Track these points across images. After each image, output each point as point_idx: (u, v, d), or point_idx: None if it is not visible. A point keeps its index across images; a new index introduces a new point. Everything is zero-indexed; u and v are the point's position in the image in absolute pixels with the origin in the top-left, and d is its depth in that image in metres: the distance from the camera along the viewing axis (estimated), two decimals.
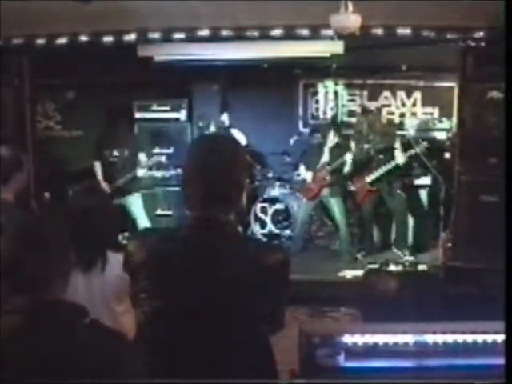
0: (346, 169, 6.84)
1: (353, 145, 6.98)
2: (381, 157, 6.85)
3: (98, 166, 6.85)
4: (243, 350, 1.85)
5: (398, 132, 7.61)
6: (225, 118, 7.46)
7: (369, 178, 6.90)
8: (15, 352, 1.54)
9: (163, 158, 7.50)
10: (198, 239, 1.87)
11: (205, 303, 1.81)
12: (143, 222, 6.84)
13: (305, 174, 7.16)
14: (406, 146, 6.89)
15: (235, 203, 1.92)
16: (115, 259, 2.69)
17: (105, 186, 6.70)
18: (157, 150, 7.75)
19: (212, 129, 7.26)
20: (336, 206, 6.90)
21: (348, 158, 6.75)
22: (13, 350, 1.53)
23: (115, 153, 6.81)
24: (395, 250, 6.88)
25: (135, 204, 6.88)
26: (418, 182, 7.25)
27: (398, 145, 6.81)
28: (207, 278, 1.82)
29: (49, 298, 1.64)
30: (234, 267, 1.84)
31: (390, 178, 6.84)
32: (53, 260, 1.68)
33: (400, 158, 6.73)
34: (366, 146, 6.81)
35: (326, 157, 6.98)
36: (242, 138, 7.07)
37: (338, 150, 6.93)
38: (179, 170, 7.41)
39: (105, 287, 2.75)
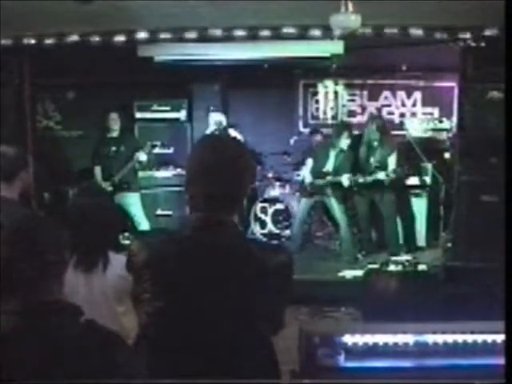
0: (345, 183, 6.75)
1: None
2: (375, 167, 6.78)
3: (97, 170, 6.86)
4: (245, 349, 1.85)
5: (399, 132, 7.63)
6: (221, 118, 7.38)
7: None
8: (10, 352, 1.53)
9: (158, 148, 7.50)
10: (201, 239, 1.86)
11: (207, 303, 1.81)
12: (142, 222, 6.85)
13: (307, 172, 7.07)
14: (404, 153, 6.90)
15: (238, 204, 1.92)
16: (116, 259, 2.69)
17: (105, 183, 6.72)
18: (157, 150, 7.75)
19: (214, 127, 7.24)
20: (336, 207, 6.89)
21: (345, 180, 6.67)
22: (7, 351, 1.53)
23: (113, 149, 6.83)
24: (392, 258, 6.79)
25: (134, 204, 6.88)
26: (417, 182, 7.24)
27: (393, 160, 6.72)
28: (210, 278, 1.82)
29: (43, 299, 1.63)
30: (236, 267, 1.84)
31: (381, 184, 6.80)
32: (48, 261, 1.68)
33: (391, 173, 6.61)
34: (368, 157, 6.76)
35: (331, 162, 6.90)
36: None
37: (344, 156, 6.85)
38: (179, 170, 7.43)
39: (106, 287, 2.75)
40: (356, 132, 7.62)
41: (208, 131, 7.14)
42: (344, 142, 6.82)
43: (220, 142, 2.02)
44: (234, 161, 1.89)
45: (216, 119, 7.20)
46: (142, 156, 6.81)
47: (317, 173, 6.94)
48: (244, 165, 1.92)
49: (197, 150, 1.98)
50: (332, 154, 6.90)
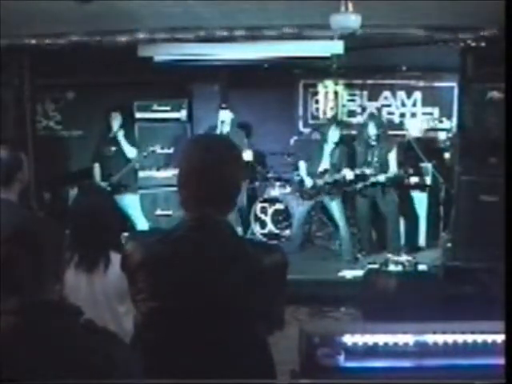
0: (348, 179, 6.77)
1: (355, 145, 6.96)
2: (376, 163, 6.78)
3: (97, 168, 6.86)
4: (240, 349, 1.85)
5: (399, 132, 7.62)
6: (229, 116, 7.33)
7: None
8: (10, 352, 1.53)
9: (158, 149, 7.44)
10: (195, 239, 1.86)
11: (202, 303, 1.81)
12: (141, 222, 6.84)
13: (304, 174, 7.10)
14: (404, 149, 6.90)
15: (232, 203, 1.92)
16: (118, 259, 2.70)
17: (103, 183, 6.72)
18: (157, 151, 7.75)
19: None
20: (336, 207, 6.89)
21: (348, 174, 6.69)
22: (7, 351, 1.53)
23: (113, 149, 6.83)
24: (389, 255, 6.78)
25: (133, 205, 6.88)
26: (417, 182, 7.24)
27: (393, 155, 6.72)
28: (204, 278, 1.82)
29: (43, 299, 1.63)
30: (230, 267, 1.84)
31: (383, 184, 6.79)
32: (48, 261, 1.67)
33: (392, 169, 6.65)
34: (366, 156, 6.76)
35: (326, 158, 6.93)
36: (240, 140, 6.99)
37: (340, 151, 6.89)
38: None
39: (107, 287, 2.75)
40: (354, 132, 7.65)
41: (217, 129, 7.15)
42: (334, 134, 6.83)
43: (211, 142, 2.02)
44: (225, 159, 1.88)
45: (221, 118, 7.18)
46: (141, 155, 6.84)
47: (314, 172, 6.95)
48: (235, 163, 1.91)
49: (188, 150, 1.96)
50: (326, 149, 6.91)
